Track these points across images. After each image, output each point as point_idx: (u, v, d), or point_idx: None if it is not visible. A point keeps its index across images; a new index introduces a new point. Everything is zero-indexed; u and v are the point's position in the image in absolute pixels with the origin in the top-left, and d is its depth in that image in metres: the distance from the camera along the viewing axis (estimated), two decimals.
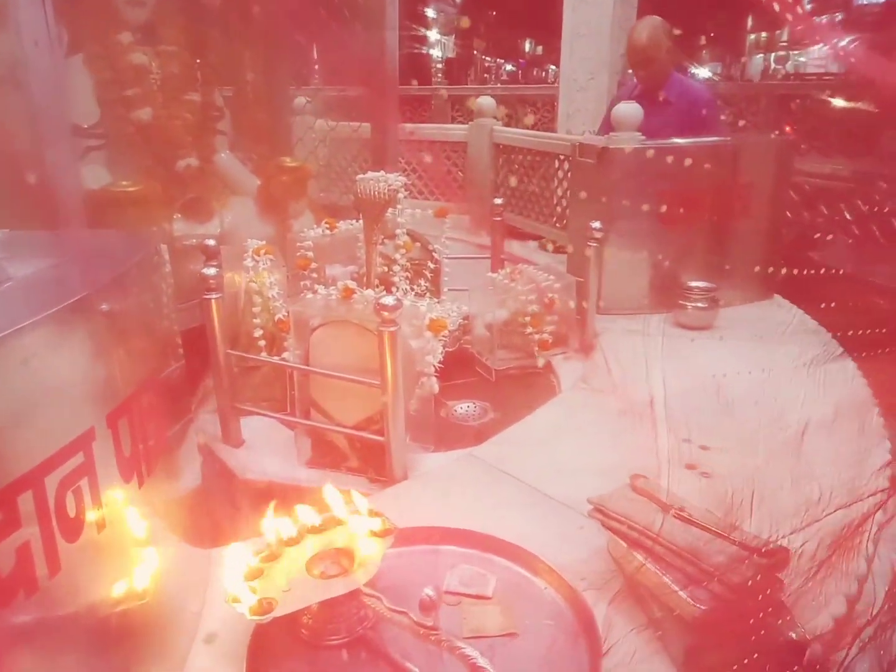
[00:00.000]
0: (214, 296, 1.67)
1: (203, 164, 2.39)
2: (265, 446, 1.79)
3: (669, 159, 2.49)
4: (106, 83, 2.15)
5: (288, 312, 1.78)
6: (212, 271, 1.66)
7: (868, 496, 1.41)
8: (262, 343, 1.92)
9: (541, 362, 2.23)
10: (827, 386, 1.98)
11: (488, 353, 2.29)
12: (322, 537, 1.21)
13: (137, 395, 1.00)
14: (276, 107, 2.86)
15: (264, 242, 1.99)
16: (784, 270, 2.76)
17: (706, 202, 2.60)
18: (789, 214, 3.05)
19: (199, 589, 1.24)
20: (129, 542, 0.97)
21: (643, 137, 2.65)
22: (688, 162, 2.50)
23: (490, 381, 2.27)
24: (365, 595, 1.11)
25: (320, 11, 2.57)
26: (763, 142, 2.79)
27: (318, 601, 1.08)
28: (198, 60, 2.48)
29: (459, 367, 2.32)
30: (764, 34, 11.61)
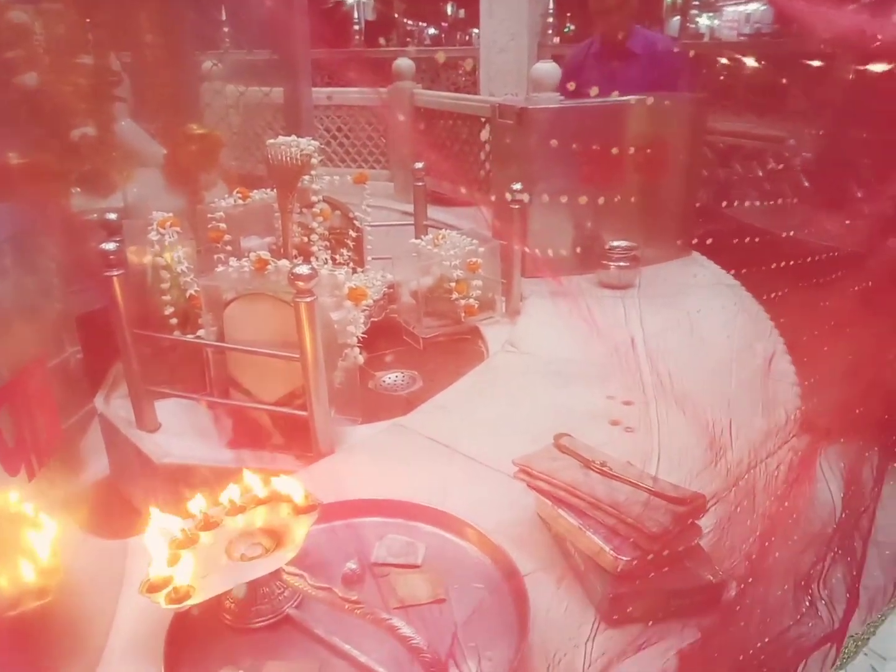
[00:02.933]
0: (115, 272, 1.57)
1: (101, 134, 2.23)
2: (183, 429, 1.72)
3: (587, 119, 2.50)
4: None
5: (199, 287, 1.69)
6: (111, 246, 1.55)
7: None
8: (173, 321, 1.82)
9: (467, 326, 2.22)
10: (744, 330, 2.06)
11: (415, 321, 2.26)
12: (242, 518, 1.17)
13: (19, 383, 0.92)
14: (180, 71, 2.69)
15: (171, 215, 1.87)
16: (700, 230, 2.84)
17: (625, 161, 2.61)
18: (705, 173, 3.12)
19: (114, 581, 1.18)
20: (20, 540, 0.90)
21: (562, 97, 2.64)
22: (607, 123, 2.51)
23: (418, 350, 2.24)
24: (288, 574, 1.07)
25: None
26: (678, 100, 2.81)
27: (237, 584, 1.04)
28: (87, 20, 2.30)
29: (386, 336, 2.28)
30: None
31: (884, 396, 1.75)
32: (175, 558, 1.07)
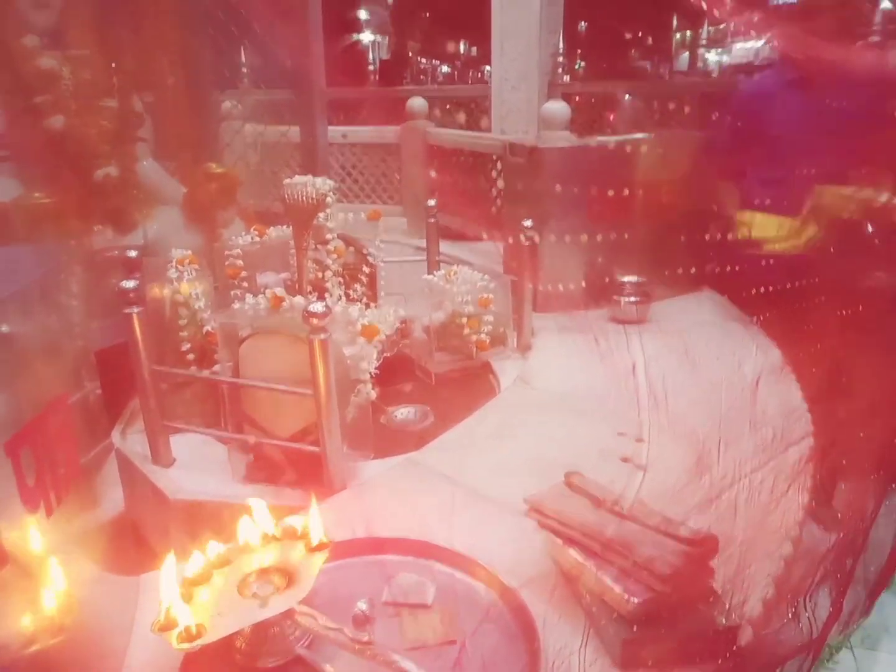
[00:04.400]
0: (135, 310, 1.60)
1: (123, 173, 2.30)
2: (198, 464, 1.73)
3: (598, 157, 2.54)
4: (11, 90, 2.04)
5: (216, 324, 1.72)
6: (131, 284, 1.59)
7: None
8: (190, 357, 1.85)
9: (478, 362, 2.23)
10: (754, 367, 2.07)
11: (427, 356, 2.28)
12: (254, 556, 1.18)
13: (42, 420, 0.95)
14: (200, 111, 2.78)
15: (189, 252, 1.92)
16: (711, 264, 2.85)
17: (635, 198, 2.65)
18: (716, 208, 3.15)
19: (126, 619, 1.18)
20: (39, 577, 0.91)
21: (572, 136, 2.69)
22: (616, 161, 2.55)
23: (430, 385, 2.25)
24: (299, 614, 1.08)
25: (241, 13, 2.52)
26: (686, 137, 2.86)
27: (249, 624, 1.04)
28: (113, 65, 2.39)
29: (399, 371, 2.30)
30: (689, 33, 11.98)
31: (884, 422, 1.74)
32: (188, 596, 1.07)
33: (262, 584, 1.12)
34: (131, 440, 1.82)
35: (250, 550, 1.18)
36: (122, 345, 1.67)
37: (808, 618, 1.39)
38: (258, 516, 1.21)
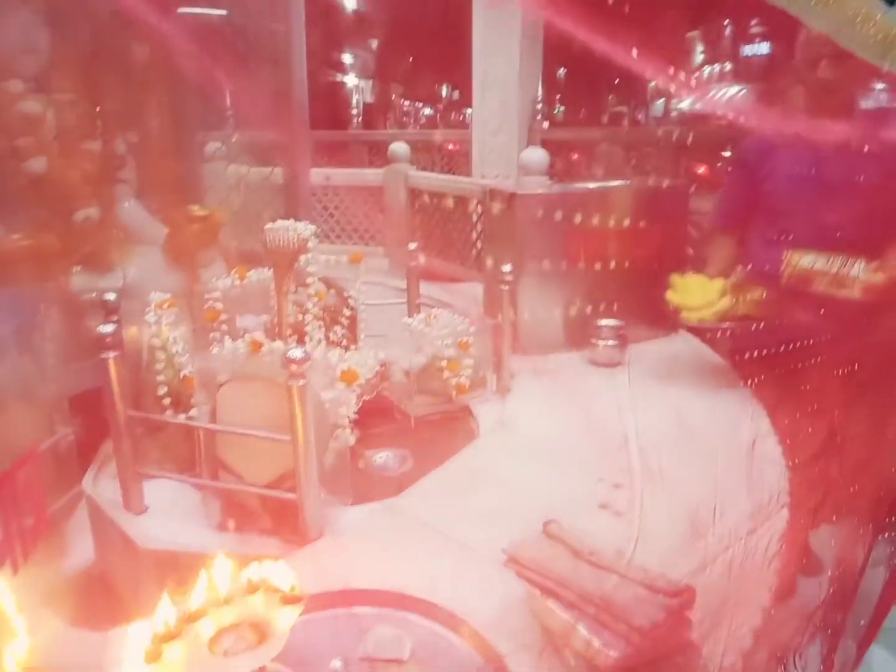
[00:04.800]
0: (112, 354, 1.59)
1: (104, 215, 2.30)
2: (171, 511, 1.69)
3: (576, 203, 2.59)
4: None
5: (193, 369, 1.71)
6: (108, 328, 1.58)
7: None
8: (167, 402, 1.83)
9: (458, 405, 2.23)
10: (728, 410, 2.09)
11: (406, 399, 2.27)
12: (227, 610, 1.15)
13: (10, 475, 0.93)
14: (183, 153, 2.80)
15: (168, 295, 1.91)
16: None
17: (614, 244, 2.70)
18: (691, 252, 3.22)
19: None
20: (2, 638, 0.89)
21: (550, 182, 2.75)
22: (593, 207, 2.61)
23: (409, 428, 2.24)
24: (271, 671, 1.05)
25: (225, 57, 2.56)
26: (660, 184, 2.94)
27: None
28: (97, 108, 2.41)
29: (378, 414, 2.28)
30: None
31: (875, 476, 1.77)
32: (156, 654, 1.04)
33: (234, 640, 1.09)
34: (103, 486, 1.78)
35: (221, 604, 1.15)
36: (98, 389, 1.65)
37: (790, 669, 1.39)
38: (231, 568, 1.18)
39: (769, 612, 1.36)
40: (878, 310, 1.68)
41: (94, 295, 2.06)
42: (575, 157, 5.05)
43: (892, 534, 1.79)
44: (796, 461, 1.74)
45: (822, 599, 1.60)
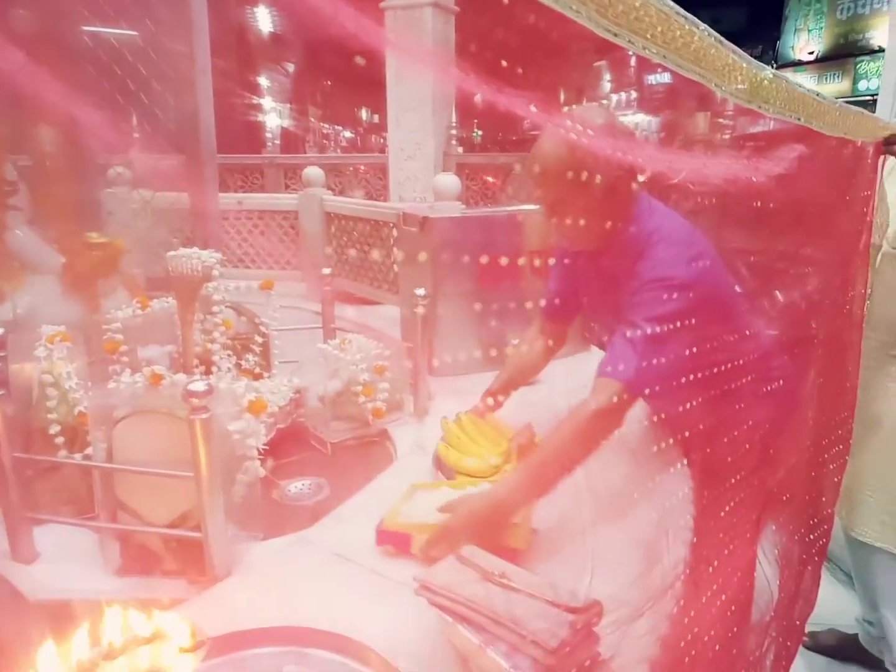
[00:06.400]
0: None
1: None
2: (65, 558, 1.59)
3: (488, 227, 2.65)
4: None
5: (87, 405, 1.62)
6: None
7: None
8: (59, 441, 1.72)
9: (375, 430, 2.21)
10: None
11: (322, 425, 2.23)
12: (121, 662, 1.08)
13: None
14: (82, 178, 2.68)
15: (61, 328, 1.81)
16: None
17: (525, 266, 2.76)
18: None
19: None
20: None
21: (463, 206, 2.80)
22: (505, 230, 2.66)
23: (326, 455, 2.20)
24: None
25: (127, 82, 2.48)
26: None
27: None
28: None
29: (294, 442, 2.23)
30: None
31: (801, 482, 1.86)
32: None
33: None
34: None
35: (117, 654, 1.08)
36: None
37: None
38: (126, 616, 1.12)
39: (733, 630, 1.40)
40: (792, 328, 1.77)
41: None
42: (490, 180, 5.17)
43: (814, 535, 1.89)
44: (738, 476, 1.81)
45: (774, 608, 1.65)
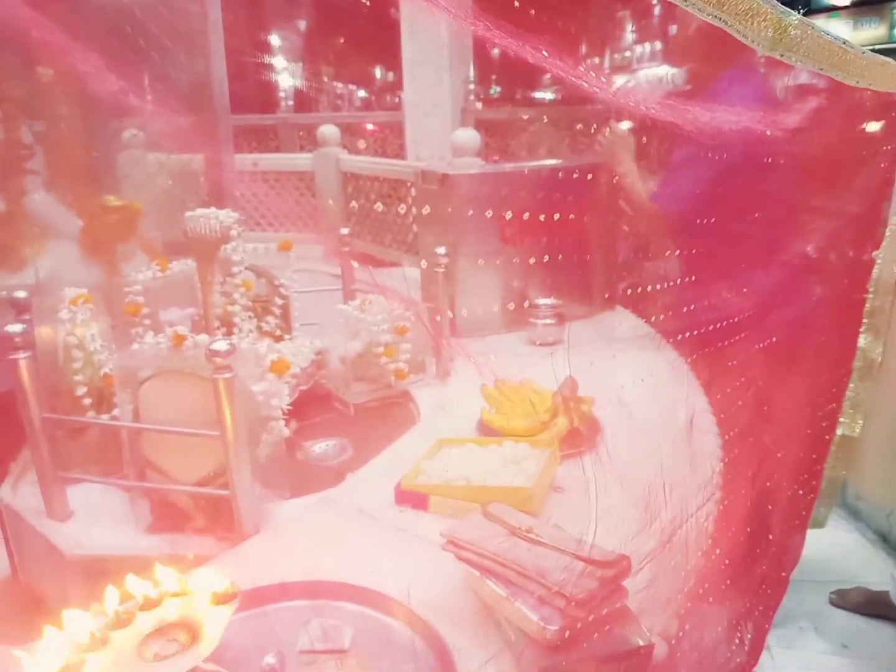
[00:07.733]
0: (22, 355, 1.50)
1: (11, 208, 2.16)
2: (97, 516, 1.62)
3: (508, 184, 2.59)
4: None
5: (113, 366, 1.63)
6: (17, 328, 1.49)
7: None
8: (87, 402, 1.74)
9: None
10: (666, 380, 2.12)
11: (344, 387, 2.24)
12: (156, 612, 1.10)
13: None
14: (97, 141, 2.66)
15: (84, 290, 1.81)
16: (622, 284, 2.95)
17: (548, 223, 2.71)
18: (626, 228, 3.27)
19: None
20: None
21: (483, 162, 2.74)
22: (526, 186, 2.61)
23: (349, 416, 2.21)
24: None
25: (138, 40, 2.44)
26: (594, 164, 2.96)
27: None
28: None
29: (316, 404, 2.25)
30: (596, 59, 12.50)
31: (795, 440, 1.85)
32: (79, 665, 0.99)
33: (165, 642, 1.05)
34: (22, 494, 1.69)
35: (152, 606, 1.11)
36: (11, 393, 1.56)
37: (749, 637, 1.44)
38: (159, 570, 1.14)
39: (726, 583, 1.41)
40: (791, 286, 1.73)
41: (2, 293, 1.93)
42: (510, 136, 5.05)
43: (804, 490, 1.89)
44: (732, 433, 1.79)
45: (765, 563, 1.66)
